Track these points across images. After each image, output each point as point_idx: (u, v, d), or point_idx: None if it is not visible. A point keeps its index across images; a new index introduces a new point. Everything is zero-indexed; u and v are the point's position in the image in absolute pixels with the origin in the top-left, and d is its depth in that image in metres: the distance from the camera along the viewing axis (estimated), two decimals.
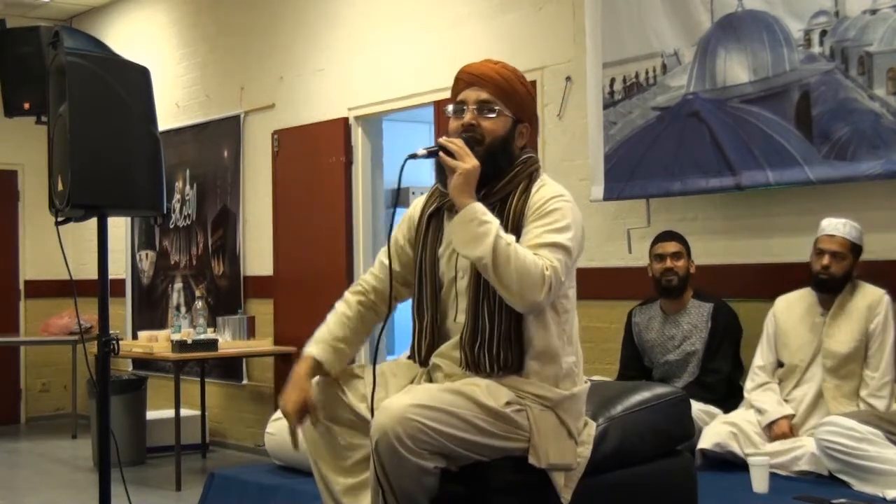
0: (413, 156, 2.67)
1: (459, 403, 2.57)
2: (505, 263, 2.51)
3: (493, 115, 2.76)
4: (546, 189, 2.74)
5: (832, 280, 4.13)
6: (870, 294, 4.13)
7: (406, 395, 2.57)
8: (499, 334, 2.66)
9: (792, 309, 4.29)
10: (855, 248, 4.15)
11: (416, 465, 2.49)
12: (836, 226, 4.16)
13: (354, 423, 2.80)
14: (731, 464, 4.05)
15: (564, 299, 2.74)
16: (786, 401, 4.20)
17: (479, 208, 2.58)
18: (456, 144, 2.65)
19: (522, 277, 2.52)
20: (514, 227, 2.68)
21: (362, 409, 2.78)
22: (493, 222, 2.56)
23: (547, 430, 2.67)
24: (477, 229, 2.54)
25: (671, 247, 4.62)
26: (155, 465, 7.02)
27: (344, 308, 2.99)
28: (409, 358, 2.91)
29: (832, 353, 4.12)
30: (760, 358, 4.33)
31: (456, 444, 2.56)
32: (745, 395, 4.31)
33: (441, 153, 2.64)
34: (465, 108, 2.78)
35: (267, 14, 7.50)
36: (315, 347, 2.87)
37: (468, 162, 2.61)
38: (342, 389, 2.82)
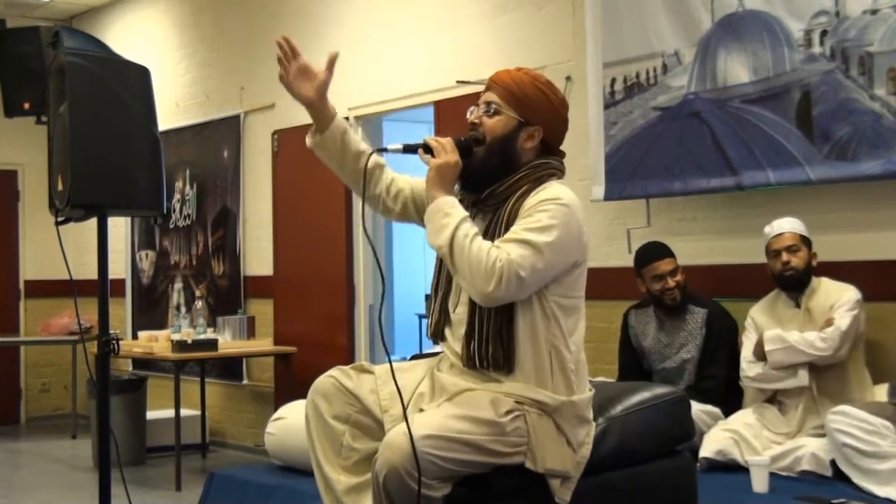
0: (383, 149, 2.81)
1: (466, 429, 2.56)
2: (459, 253, 2.59)
3: (496, 115, 2.79)
4: (545, 192, 2.72)
5: (797, 273, 4.20)
6: (834, 292, 4.16)
7: (413, 427, 2.54)
8: (489, 331, 2.69)
9: (767, 310, 4.34)
10: (805, 240, 4.23)
11: (424, 496, 2.49)
12: (780, 225, 4.27)
13: (358, 422, 2.81)
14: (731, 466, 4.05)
15: (556, 304, 2.70)
16: (780, 402, 4.21)
17: (447, 201, 2.66)
18: (438, 142, 2.72)
19: (473, 267, 2.57)
20: (507, 228, 2.68)
21: (370, 401, 2.79)
22: (456, 215, 2.63)
23: (544, 436, 2.66)
24: (441, 220, 2.63)
25: (667, 265, 4.55)
26: (155, 465, 7.02)
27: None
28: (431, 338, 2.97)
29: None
30: (748, 351, 4.30)
31: (464, 467, 2.57)
32: (748, 382, 4.27)
33: (420, 150, 2.73)
34: (477, 108, 2.86)
35: (267, 14, 7.50)
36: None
37: (442, 157, 2.69)
38: (350, 379, 2.82)
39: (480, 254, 2.57)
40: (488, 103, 2.81)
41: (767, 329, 4.24)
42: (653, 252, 4.62)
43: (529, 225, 2.63)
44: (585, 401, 2.78)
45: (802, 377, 4.10)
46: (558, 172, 2.84)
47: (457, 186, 2.81)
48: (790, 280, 4.21)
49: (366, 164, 2.87)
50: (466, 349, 2.73)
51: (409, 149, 2.76)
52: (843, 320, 4.04)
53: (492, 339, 2.69)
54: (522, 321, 2.69)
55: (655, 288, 4.56)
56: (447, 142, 2.74)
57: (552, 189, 2.74)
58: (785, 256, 4.19)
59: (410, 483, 2.47)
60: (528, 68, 2.93)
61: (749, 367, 4.25)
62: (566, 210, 2.67)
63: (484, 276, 2.56)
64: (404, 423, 2.56)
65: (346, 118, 6.68)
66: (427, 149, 2.73)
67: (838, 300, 4.11)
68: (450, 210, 2.64)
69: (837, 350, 4.04)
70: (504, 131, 2.78)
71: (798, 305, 4.23)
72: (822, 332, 4.06)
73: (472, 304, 2.71)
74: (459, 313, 2.78)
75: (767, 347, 4.13)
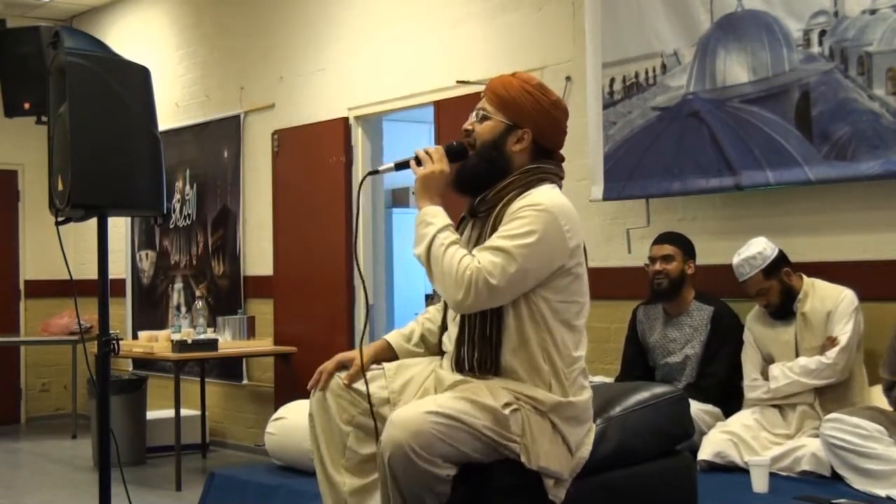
0: (375, 172, 2.90)
1: (468, 410, 2.57)
2: (435, 263, 2.65)
3: (485, 121, 2.82)
4: (530, 198, 2.72)
5: (779, 305, 4.26)
6: (830, 296, 4.16)
7: (415, 406, 2.58)
8: (477, 336, 2.72)
9: (763, 318, 4.37)
10: (769, 268, 4.23)
11: (429, 473, 2.50)
12: (738, 272, 4.30)
13: (363, 425, 2.82)
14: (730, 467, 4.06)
15: (546, 308, 2.70)
16: (779, 407, 4.21)
17: (430, 211, 2.72)
18: (427, 152, 2.78)
19: (446, 275, 2.62)
20: (493, 234, 2.70)
21: (379, 395, 2.81)
22: (436, 224, 2.68)
23: (540, 434, 2.66)
24: (422, 230, 2.70)
25: (662, 250, 4.61)
26: (155, 465, 7.02)
27: (413, 325, 3.08)
28: None
29: None
30: (751, 370, 4.33)
31: (464, 447, 2.57)
32: (753, 402, 4.28)
33: (413, 163, 2.78)
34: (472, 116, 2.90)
35: (267, 14, 7.50)
36: (389, 336, 3.04)
37: (427, 168, 2.75)
38: (362, 380, 2.84)
39: (452, 262, 2.62)
40: (479, 110, 2.84)
41: (766, 340, 4.30)
42: (659, 236, 4.70)
43: (505, 232, 2.66)
44: (584, 402, 2.77)
45: (808, 392, 4.16)
46: (551, 176, 2.81)
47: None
48: (775, 314, 4.29)
49: (359, 194, 2.96)
50: (457, 353, 2.76)
51: (401, 165, 2.83)
52: (844, 336, 4.07)
53: (480, 344, 2.71)
54: (512, 326, 2.70)
55: (649, 270, 4.62)
56: (435, 151, 2.79)
57: (534, 195, 2.73)
58: (762, 301, 4.29)
59: (416, 460, 2.48)
60: (523, 73, 2.92)
61: (753, 389, 4.29)
62: (545, 215, 2.66)
63: (454, 285, 2.61)
64: (409, 405, 2.59)
65: (346, 118, 6.69)
66: (419, 161, 2.78)
67: (835, 307, 4.12)
68: (431, 220, 2.70)
69: (844, 369, 4.08)
70: (492, 136, 2.80)
71: (794, 312, 4.24)
72: (827, 356, 4.08)
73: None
74: (456, 319, 2.80)
75: (772, 385, 4.17)
